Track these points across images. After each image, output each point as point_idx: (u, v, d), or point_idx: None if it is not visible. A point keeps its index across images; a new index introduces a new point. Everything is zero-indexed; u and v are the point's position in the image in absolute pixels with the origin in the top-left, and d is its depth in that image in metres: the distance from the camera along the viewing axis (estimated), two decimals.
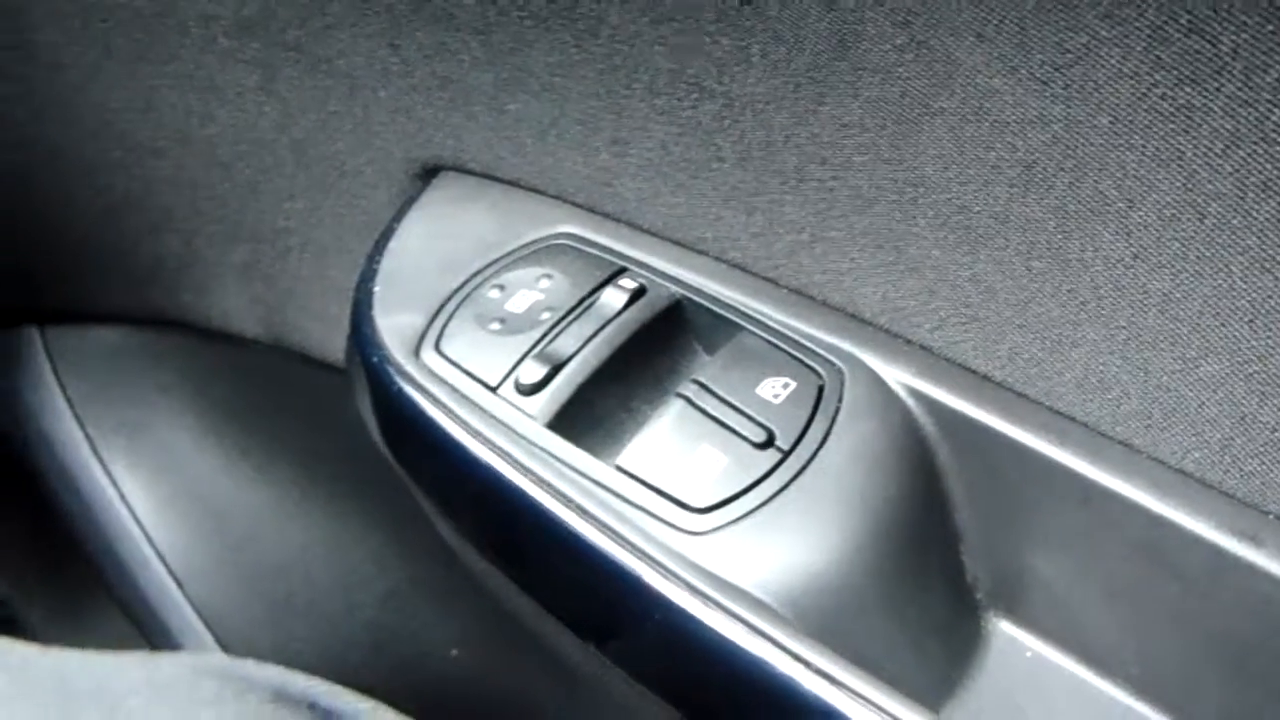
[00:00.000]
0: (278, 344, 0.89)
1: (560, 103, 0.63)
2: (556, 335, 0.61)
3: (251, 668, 0.45)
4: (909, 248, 0.55)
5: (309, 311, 0.85)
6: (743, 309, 0.61)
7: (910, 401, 0.57)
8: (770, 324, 0.61)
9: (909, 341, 0.58)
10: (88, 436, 1.08)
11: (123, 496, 1.06)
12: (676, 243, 0.64)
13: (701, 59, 0.56)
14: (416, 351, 0.63)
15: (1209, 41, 0.42)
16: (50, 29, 0.79)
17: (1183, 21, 0.42)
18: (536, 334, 0.61)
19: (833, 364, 0.59)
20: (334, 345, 0.84)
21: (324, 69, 0.70)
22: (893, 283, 0.57)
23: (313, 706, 0.44)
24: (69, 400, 1.09)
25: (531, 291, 0.63)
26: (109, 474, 1.07)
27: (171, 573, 1.04)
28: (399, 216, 0.70)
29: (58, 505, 1.10)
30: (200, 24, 0.73)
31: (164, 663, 0.46)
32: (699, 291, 0.62)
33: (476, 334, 0.62)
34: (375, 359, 0.63)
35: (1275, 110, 0.42)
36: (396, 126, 0.71)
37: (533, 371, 0.59)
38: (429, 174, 0.72)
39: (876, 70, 0.51)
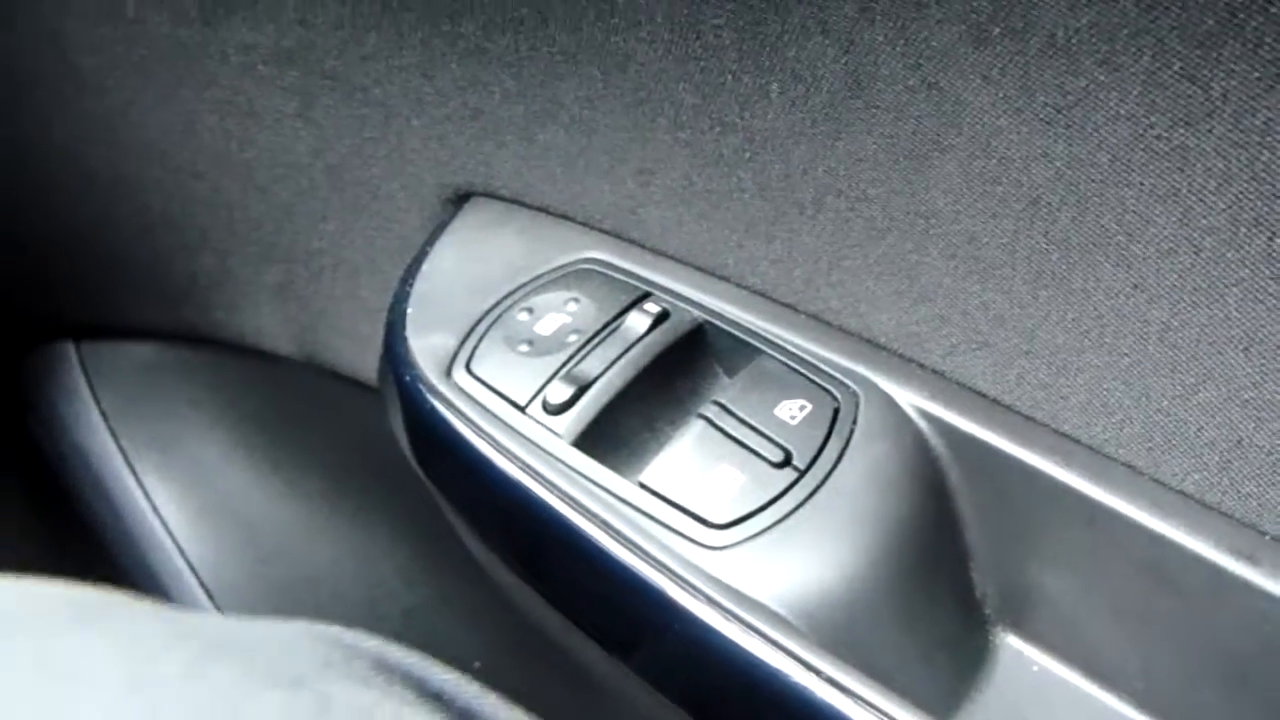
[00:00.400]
0: (309, 361, 0.91)
1: (588, 134, 0.65)
2: (583, 357, 0.62)
3: (354, 636, 0.47)
4: (921, 276, 0.57)
5: (341, 330, 0.87)
6: (762, 333, 0.63)
7: (922, 424, 0.59)
8: (788, 348, 0.62)
9: (921, 366, 0.60)
10: (121, 449, 1.09)
11: (155, 509, 1.07)
12: (699, 269, 0.66)
13: (724, 95, 0.58)
14: (448, 371, 0.64)
15: (1201, 87, 0.44)
16: (93, 55, 0.81)
17: (1176, 68, 0.44)
18: (564, 355, 0.63)
19: (848, 387, 0.60)
20: (365, 363, 0.86)
21: (360, 97, 0.73)
22: (906, 309, 0.59)
23: (406, 675, 0.46)
24: (103, 414, 1.11)
25: (559, 314, 0.65)
26: (142, 486, 1.08)
27: (202, 584, 1.05)
28: (431, 240, 0.72)
29: (91, 517, 1.11)
30: (240, 52, 0.75)
31: (279, 626, 0.48)
32: (720, 316, 0.64)
33: (506, 355, 0.64)
34: (408, 378, 0.65)
35: (1264, 151, 0.44)
36: (429, 154, 0.73)
37: (560, 392, 0.61)
38: (460, 200, 0.74)
39: (889, 109, 0.53)
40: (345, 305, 0.85)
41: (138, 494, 1.08)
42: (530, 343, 0.64)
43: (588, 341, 0.63)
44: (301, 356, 0.92)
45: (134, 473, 1.09)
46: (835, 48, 0.53)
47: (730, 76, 0.57)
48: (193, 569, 1.06)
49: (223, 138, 0.81)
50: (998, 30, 0.48)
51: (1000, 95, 0.49)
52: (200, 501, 1.08)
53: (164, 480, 1.08)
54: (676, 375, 0.63)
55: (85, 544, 1.13)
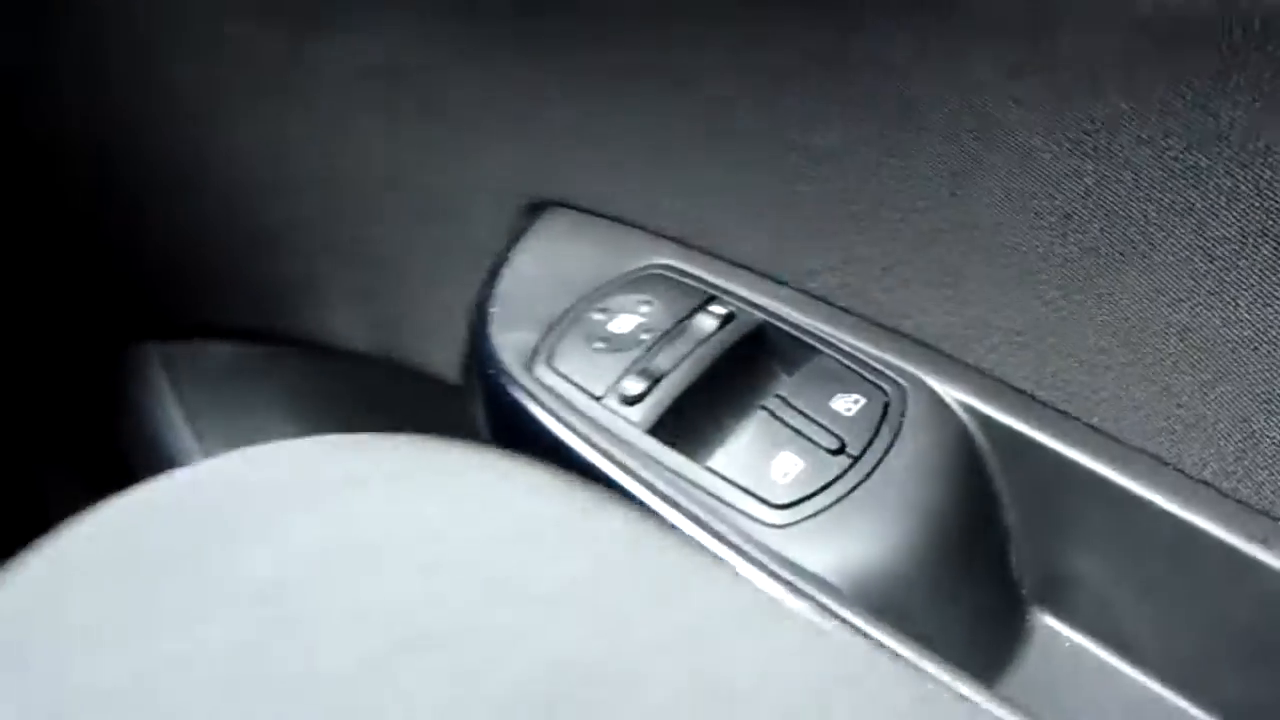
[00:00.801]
0: (387, 359, 0.93)
1: (660, 150, 0.69)
2: (655, 354, 0.66)
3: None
4: (966, 282, 0.61)
5: (420, 330, 0.89)
6: (819, 334, 0.67)
7: (965, 417, 0.63)
8: (843, 347, 0.66)
9: (965, 364, 0.64)
10: (203, 449, 1.09)
11: None
12: (761, 274, 0.70)
13: (789, 118, 0.62)
14: (530, 366, 0.68)
15: (1210, 114, 0.48)
16: (185, 67, 0.84)
17: (1189, 97, 0.49)
18: (637, 352, 0.67)
19: (898, 383, 0.64)
20: (443, 360, 0.88)
21: (444, 112, 0.76)
22: (951, 312, 0.63)
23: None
24: (185, 413, 1.10)
25: (633, 315, 0.69)
26: None
27: None
28: (511, 246, 0.75)
29: None
30: (328, 67, 0.79)
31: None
32: (781, 318, 0.67)
33: (584, 351, 0.68)
34: (492, 372, 0.69)
35: (1266, 170, 0.48)
36: (508, 166, 0.76)
37: (634, 385, 0.64)
38: (538, 209, 0.77)
39: (938, 132, 0.57)
40: (424, 307, 0.88)
41: None
42: (606, 340, 0.68)
43: (659, 340, 0.67)
44: (381, 355, 0.94)
45: None
46: (891, 79, 0.57)
47: (795, 100, 0.61)
48: None
49: (309, 148, 0.84)
50: (1033, 65, 0.52)
51: (1036, 121, 0.53)
52: None
53: None
54: (741, 371, 0.66)
55: None
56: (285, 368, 1.08)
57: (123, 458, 1.15)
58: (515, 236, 0.76)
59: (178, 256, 0.99)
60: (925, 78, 0.57)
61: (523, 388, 0.68)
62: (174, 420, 1.12)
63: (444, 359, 0.88)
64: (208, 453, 1.09)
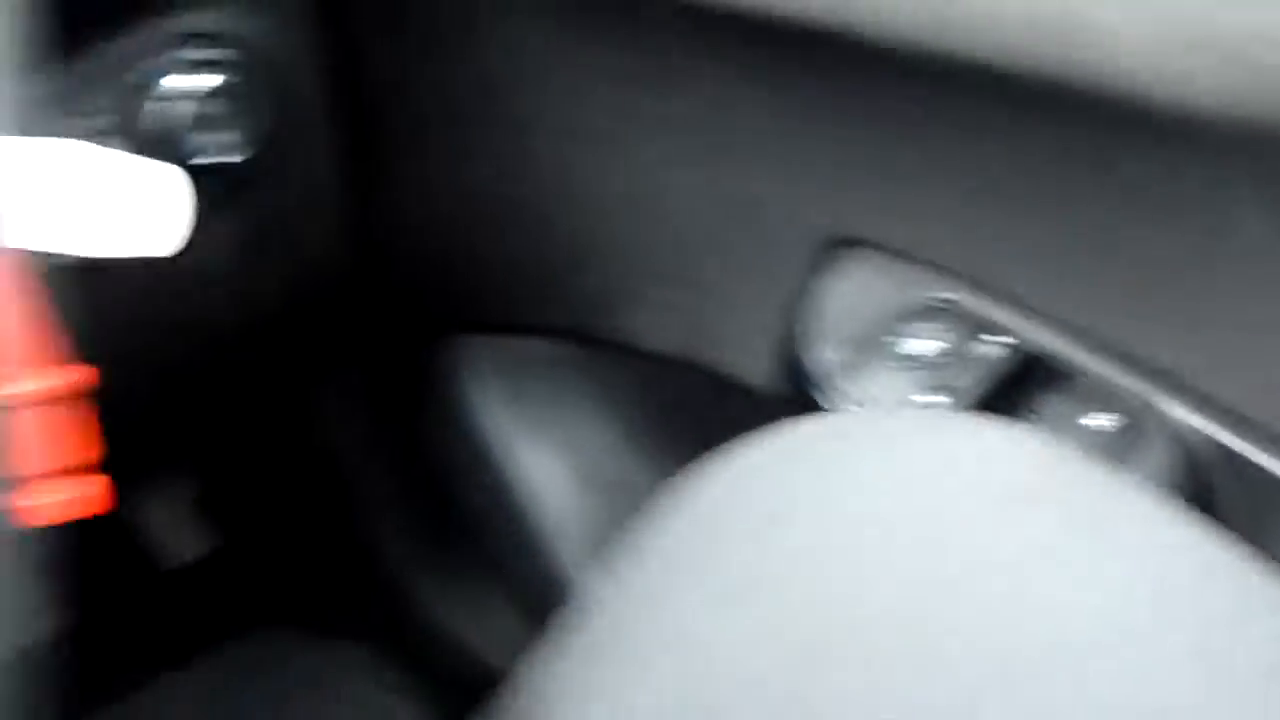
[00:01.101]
0: (693, 364, 0.99)
1: (951, 197, 0.78)
2: (944, 374, 0.76)
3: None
4: (1194, 330, 0.72)
5: (726, 341, 0.96)
6: (1076, 360, 0.75)
7: (1194, 438, 0.72)
8: (1099, 375, 0.75)
9: (1194, 392, 0.73)
10: (510, 437, 1.15)
11: (538, 495, 1.13)
12: (1032, 307, 0.78)
13: (1067, 179, 0.72)
14: (836, 381, 0.79)
15: None
16: (528, 101, 0.94)
17: None
18: (930, 372, 0.76)
19: (1140, 407, 0.73)
20: (747, 367, 0.94)
21: (752, 153, 0.85)
22: (1184, 353, 0.73)
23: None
24: (495, 403, 1.16)
25: (925, 340, 0.78)
26: (528, 475, 1.14)
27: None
28: (815, 276, 0.84)
29: (475, 506, 1.20)
30: (652, 112, 0.88)
31: None
32: (1050, 350, 0.76)
33: (882, 370, 0.78)
34: (804, 386, 0.81)
35: None
36: (814, 205, 0.85)
37: (927, 400, 0.74)
38: (838, 244, 0.84)
39: (1186, 209, 0.69)
40: (731, 321, 0.95)
41: (523, 482, 1.14)
42: (902, 361, 0.78)
43: (948, 363, 0.76)
44: (685, 358, 1.00)
45: (521, 462, 1.14)
46: (1154, 169, 0.69)
47: (1073, 169, 0.72)
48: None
49: (632, 184, 0.92)
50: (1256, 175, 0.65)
51: (1256, 229, 0.66)
52: (580, 484, 1.13)
53: (549, 467, 1.14)
54: (1012, 390, 0.75)
55: (461, 532, 1.22)
56: (594, 364, 1.14)
57: (435, 445, 1.24)
58: (819, 267, 0.85)
59: (503, 258, 1.06)
60: (1173, 187, 0.68)
61: (832, 400, 0.79)
62: (484, 410, 1.17)
63: (746, 365, 0.97)
64: (514, 441, 1.16)
